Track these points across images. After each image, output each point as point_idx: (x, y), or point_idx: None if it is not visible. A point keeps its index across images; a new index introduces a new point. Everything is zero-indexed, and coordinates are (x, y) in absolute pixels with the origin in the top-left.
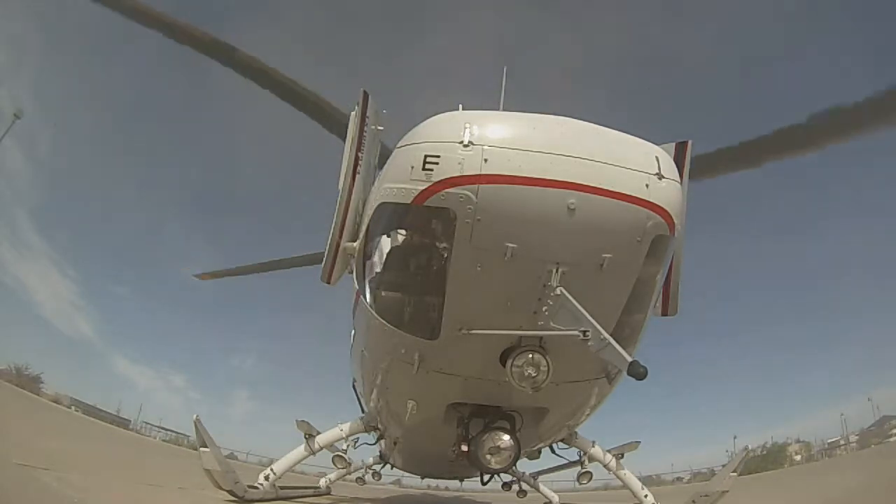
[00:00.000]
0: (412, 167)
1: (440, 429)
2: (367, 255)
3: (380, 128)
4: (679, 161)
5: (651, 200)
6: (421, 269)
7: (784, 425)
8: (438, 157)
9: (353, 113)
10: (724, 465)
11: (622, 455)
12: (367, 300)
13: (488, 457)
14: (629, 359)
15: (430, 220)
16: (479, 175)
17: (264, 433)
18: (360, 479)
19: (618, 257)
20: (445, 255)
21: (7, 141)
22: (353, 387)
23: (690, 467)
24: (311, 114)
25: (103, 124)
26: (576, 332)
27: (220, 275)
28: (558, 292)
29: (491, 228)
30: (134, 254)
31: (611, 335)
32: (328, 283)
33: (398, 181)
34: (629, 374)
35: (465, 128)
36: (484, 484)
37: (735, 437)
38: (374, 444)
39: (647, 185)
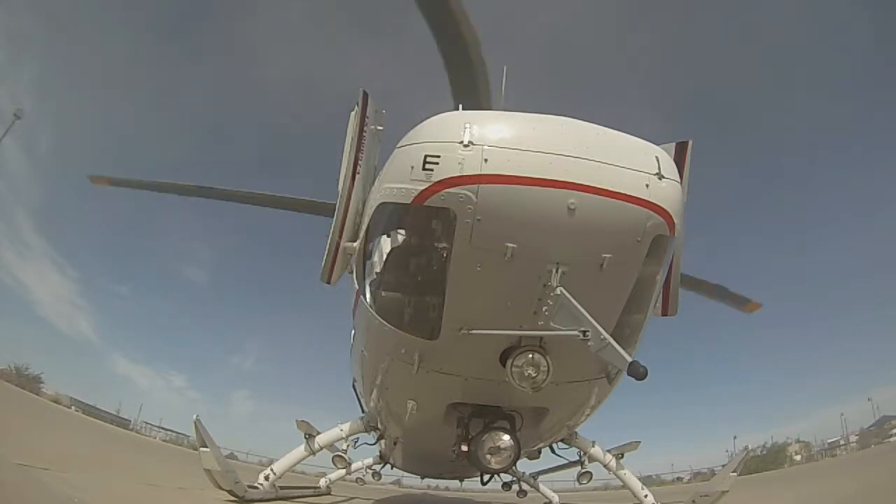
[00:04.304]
0: (412, 167)
1: (440, 429)
2: (367, 255)
3: (380, 128)
4: (679, 161)
5: (651, 200)
6: (421, 269)
7: (784, 425)
8: (438, 157)
9: (352, 113)
10: (724, 465)
11: (622, 455)
12: (367, 300)
13: (488, 457)
14: (629, 359)
15: (430, 220)
16: (480, 175)
17: (264, 433)
18: (360, 480)
19: (618, 257)
20: (445, 255)
21: (7, 141)
22: (353, 387)
23: (690, 467)
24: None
25: (103, 124)
26: (576, 332)
27: (121, 183)
28: (558, 292)
29: (491, 228)
30: (134, 254)
31: (611, 335)
32: (328, 283)
33: (398, 181)
34: (629, 374)
35: (465, 128)
36: (484, 484)
37: (735, 437)
38: (374, 444)
39: (647, 185)
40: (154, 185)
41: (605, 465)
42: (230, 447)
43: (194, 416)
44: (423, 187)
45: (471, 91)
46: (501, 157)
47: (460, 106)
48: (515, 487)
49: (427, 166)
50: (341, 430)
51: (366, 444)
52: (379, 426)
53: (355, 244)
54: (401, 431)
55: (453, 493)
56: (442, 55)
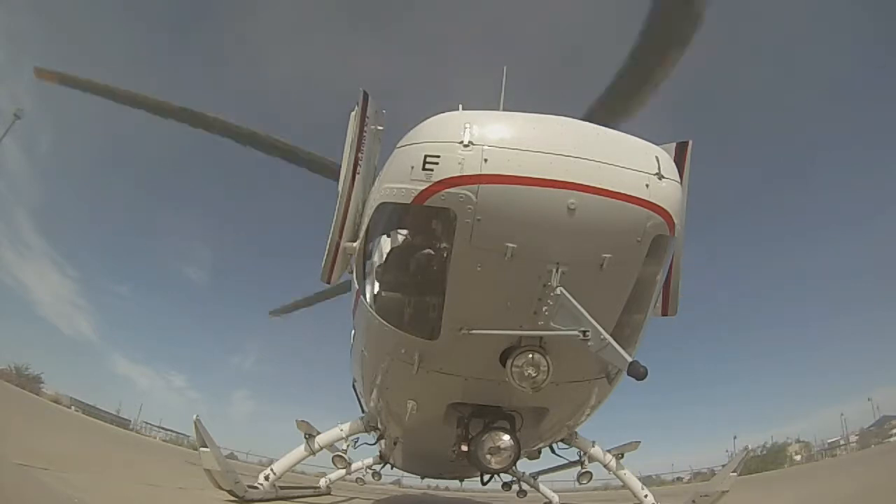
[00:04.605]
0: (412, 167)
1: (440, 429)
2: (367, 254)
3: (380, 128)
4: (679, 161)
5: (651, 200)
6: (421, 268)
7: (784, 425)
8: (438, 157)
9: (352, 113)
10: (724, 465)
11: (622, 455)
12: (367, 300)
13: (488, 457)
14: (629, 359)
15: (430, 220)
16: (480, 175)
17: (264, 433)
18: (360, 480)
19: (618, 257)
20: (445, 255)
21: (7, 141)
22: (353, 387)
23: (690, 467)
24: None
25: (103, 123)
26: (576, 332)
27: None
28: (558, 292)
29: (491, 228)
30: (134, 254)
31: (611, 335)
32: (328, 282)
33: (398, 181)
34: (629, 374)
35: (465, 128)
36: (484, 484)
37: (735, 437)
38: (374, 444)
39: (647, 185)
40: (111, 92)
41: (605, 465)
42: (230, 447)
43: (194, 416)
44: (423, 187)
45: None
46: (501, 157)
47: (460, 106)
48: (515, 487)
49: (427, 166)
50: (341, 430)
51: (366, 444)
52: (379, 426)
53: (355, 244)
54: (401, 431)
55: (453, 493)
56: None
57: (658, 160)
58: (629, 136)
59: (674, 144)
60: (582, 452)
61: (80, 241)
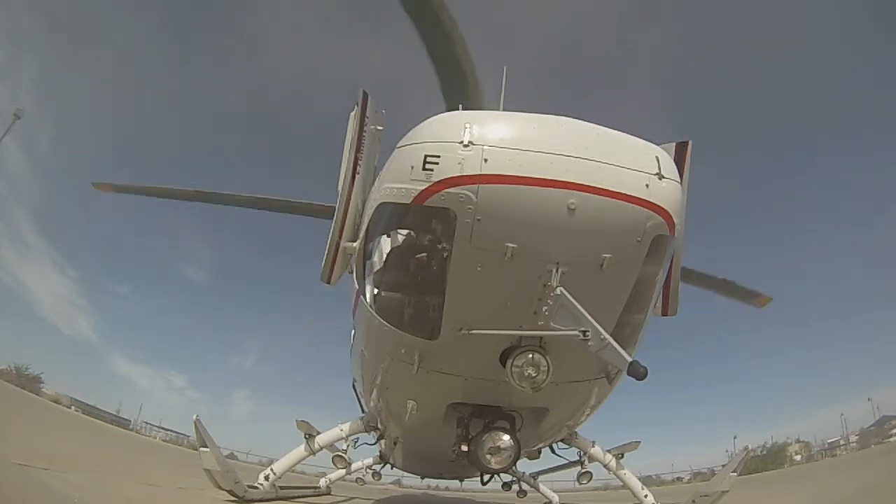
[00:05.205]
0: (412, 167)
1: (440, 429)
2: (367, 255)
3: (379, 128)
4: (679, 161)
5: (651, 200)
6: (421, 268)
7: (784, 425)
8: (438, 157)
9: (352, 113)
10: (724, 465)
11: (622, 455)
12: (367, 300)
13: (488, 457)
14: (629, 359)
15: (430, 220)
16: (480, 175)
17: (264, 433)
18: (360, 480)
19: (618, 257)
20: (445, 255)
21: (7, 141)
22: (353, 387)
23: (690, 467)
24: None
25: (103, 124)
26: (576, 332)
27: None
28: (558, 292)
29: (491, 228)
30: (134, 254)
31: (611, 335)
32: (328, 283)
33: (398, 181)
34: (629, 374)
35: (465, 128)
36: (484, 484)
37: (735, 437)
38: (374, 444)
39: (647, 185)
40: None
41: (605, 465)
42: (230, 447)
43: (194, 416)
44: (423, 187)
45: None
46: (501, 157)
47: (460, 106)
48: (515, 487)
49: (427, 166)
50: (341, 430)
51: (366, 444)
52: (379, 426)
53: (355, 244)
54: (401, 431)
55: (453, 493)
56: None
57: (658, 160)
58: (629, 135)
59: (674, 144)
60: (582, 452)
61: (80, 241)
